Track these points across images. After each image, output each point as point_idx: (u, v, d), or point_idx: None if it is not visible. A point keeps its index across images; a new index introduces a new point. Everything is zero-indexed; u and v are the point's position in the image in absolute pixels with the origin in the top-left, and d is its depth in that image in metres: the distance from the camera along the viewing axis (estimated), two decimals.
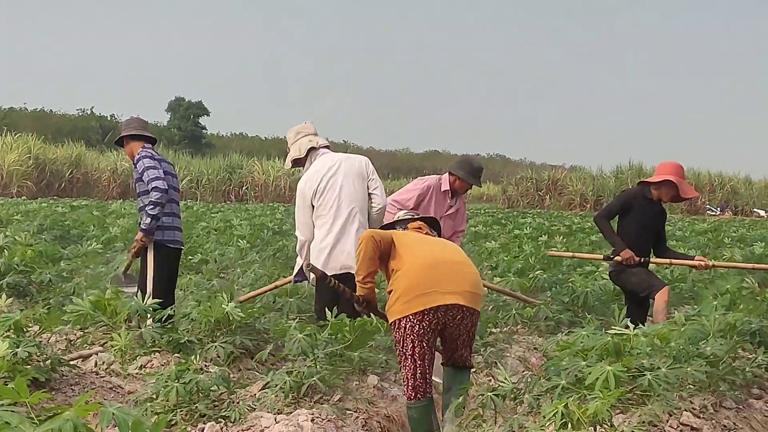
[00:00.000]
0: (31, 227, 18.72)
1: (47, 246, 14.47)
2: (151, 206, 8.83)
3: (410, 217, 7.08)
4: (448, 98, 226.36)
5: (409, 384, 6.15)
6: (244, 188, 63.36)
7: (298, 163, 8.87)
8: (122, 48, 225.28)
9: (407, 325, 6.06)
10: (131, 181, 59.23)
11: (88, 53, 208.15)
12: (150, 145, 9.35)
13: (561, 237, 22.65)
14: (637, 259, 9.12)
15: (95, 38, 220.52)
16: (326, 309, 7.64)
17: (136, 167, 9.10)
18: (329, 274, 7.72)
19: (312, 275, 8.06)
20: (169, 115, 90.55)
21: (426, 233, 6.84)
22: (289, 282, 9.67)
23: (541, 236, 22.30)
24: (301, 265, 8.72)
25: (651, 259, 9.38)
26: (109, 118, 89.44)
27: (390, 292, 6.25)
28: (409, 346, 6.09)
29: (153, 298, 8.58)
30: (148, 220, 8.86)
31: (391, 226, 6.99)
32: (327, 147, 8.83)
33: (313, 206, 8.49)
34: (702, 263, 9.34)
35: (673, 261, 9.58)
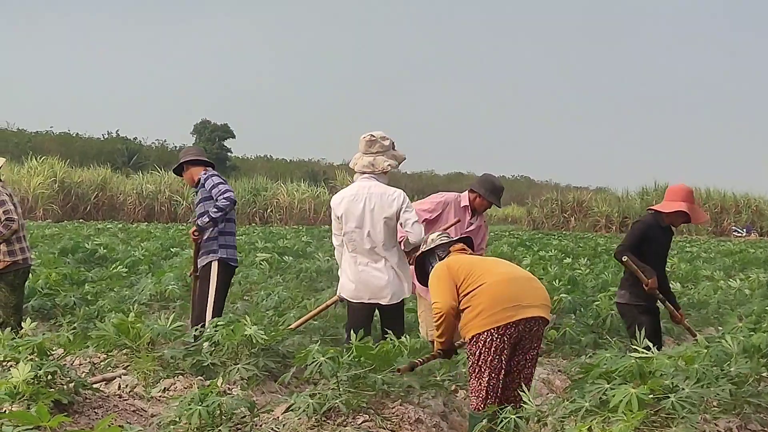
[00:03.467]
0: (56, 250, 18.79)
1: (72, 269, 14.53)
2: (216, 210, 9.18)
3: (447, 240, 7.09)
4: (473, 120, 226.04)
5: (481, 395, 6.33)
6: (268, 211, 63.28)
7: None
8: (148, 71, 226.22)
9: (488, 339, 6.24)
10: (156, 204, 59.46)
11: (113, 76, 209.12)
12: (212, 169, 9.67)
13: (586, 259, 22.53)
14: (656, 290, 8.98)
15: (121, 61, 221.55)
16: (353, 331, 7.69)
17: (204, 186, 9.44)
18: (359, 302, 8.36)
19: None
20: (194, 137, 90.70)
21: (470, 253, 7.00)
22: (335, 302, 9.66)
23: (566, 258, 22.16)
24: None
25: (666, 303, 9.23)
26: (134, 141, 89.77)
27: (464, 310, 6.39)
28: (488, 360, 6.26)
29: (213, 316, 8.94)
30: (207, 219, 9.22)
31: (431, 252, 7.04)
32: (371, 173, 8.67)
33: (340, 224, 8.62)
34: (678, 318, 9.28)
35: (680, 317, 9.35)
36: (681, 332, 11.73)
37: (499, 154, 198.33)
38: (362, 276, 8.45)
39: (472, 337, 6.31)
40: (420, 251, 7.22)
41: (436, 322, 6.53)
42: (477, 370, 6.32)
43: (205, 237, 9.41)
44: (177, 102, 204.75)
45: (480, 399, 6.31)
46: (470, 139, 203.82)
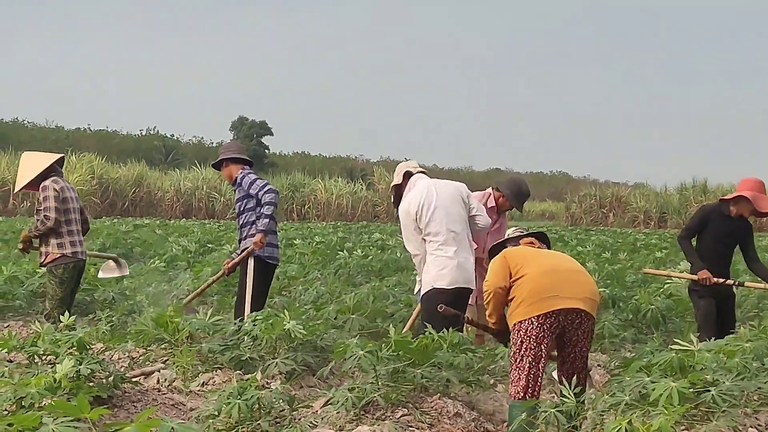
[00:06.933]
0: (95, 245, 18.88)
1: None
2: (267, 206, 9.41)
3: (520, 234, 7.35)
4: (511, 115, 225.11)
5: (520, 384, 6.38)
6: (306, 207, 63.19)
7: (399, 190, 8.99)
8: (185, 68, 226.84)
9: (528, 328, 6.35)
10: (194, 200, 59.55)
11: (151, 73, 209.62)
12: (249, 168, 9.82)
13: (625, 254, 22.42)
14: (714, 280, 9.04)
15: (159, 58, 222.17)
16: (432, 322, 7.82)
17: (240, 184, 9.64)
18: (455, 287, 8.22)
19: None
20: (232, 134, 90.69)
21: (538, 247, 7.14)
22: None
23: (604, 253, 22.05)
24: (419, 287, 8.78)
25: (745, 282, 9.33)
26: (172, 138, 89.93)
27: (511, 299, 6.54)
28: (526, 348, 6.37)
29: (251, 311, 9.04)
30: (266, 219, 9.41)
31: (503, 244, 7.29)
32: (423, 172, 8.96)
33: (418, 226, 8.53)
34: None
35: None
36: None
37: (537, 149, 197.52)
38: (451, 261, 8.38)
39: (515, 324, 6.44)
40: (497, 241, 7.55)
41: (485, 301, 6.70)
42: (518, 359, 6.38)
43: (244, 234, 9.53)
44: (214, 99, 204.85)
45: (519, 387, 6.35)
46: (508, 135, 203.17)
